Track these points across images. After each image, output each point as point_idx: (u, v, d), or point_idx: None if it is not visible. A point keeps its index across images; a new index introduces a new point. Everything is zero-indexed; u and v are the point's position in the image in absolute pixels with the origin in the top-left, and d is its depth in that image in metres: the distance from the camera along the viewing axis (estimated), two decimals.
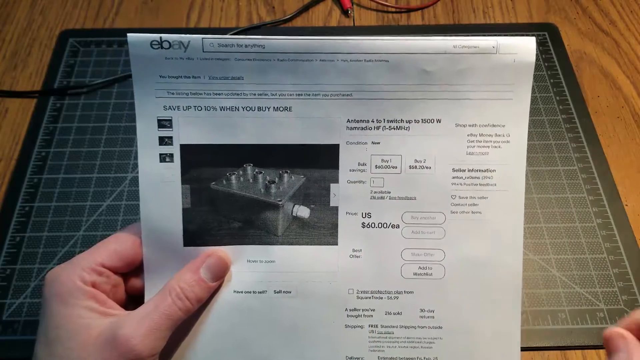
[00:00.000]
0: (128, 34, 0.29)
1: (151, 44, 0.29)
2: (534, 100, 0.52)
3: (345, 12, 0.60)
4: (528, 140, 0.49)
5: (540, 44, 0.56)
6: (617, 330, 0.29)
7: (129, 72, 0.53)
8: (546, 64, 0.55)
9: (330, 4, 0.61)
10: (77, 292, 0.28)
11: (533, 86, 0.53)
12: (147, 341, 0.27)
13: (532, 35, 0.57)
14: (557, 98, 0.52)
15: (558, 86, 0.53)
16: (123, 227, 0.32)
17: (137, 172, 0.47)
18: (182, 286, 0.29)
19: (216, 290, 0.32)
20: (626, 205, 0.46)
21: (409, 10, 0.60)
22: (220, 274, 0.31)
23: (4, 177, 0.47)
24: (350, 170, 0.32)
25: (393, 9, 0.60)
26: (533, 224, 0.45)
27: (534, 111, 0.52)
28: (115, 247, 0.30)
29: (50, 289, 0.29)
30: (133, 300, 0.32)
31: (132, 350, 0.27)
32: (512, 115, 0.31)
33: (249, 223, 0.32)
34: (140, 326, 0.27)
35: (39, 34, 0.57)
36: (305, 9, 0.60)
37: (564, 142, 0.50)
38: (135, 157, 0.48)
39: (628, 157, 0.49)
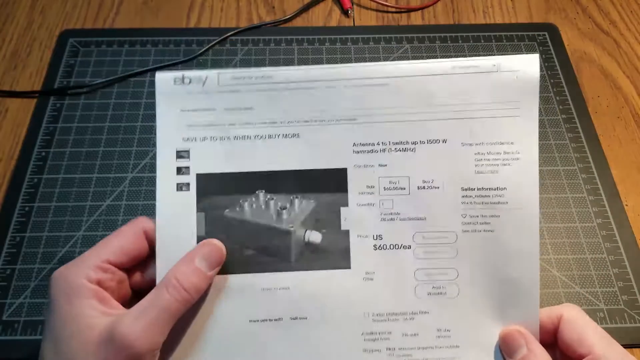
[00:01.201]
0: (157, 73, 0.31)
1: (174, 81, 0.31)
2: None
3: (345, 12, 0.60)
4: None
5: (540, 44, 0.56)
6: (514, 328, 0.31)
7: (128, 72, 0.53)
8: (546, 64, 0.55)
9: (330, 4, 0.61)
10: (82, 291, 0.28)
11: None
12: (145, 336, 0.27)
13: (532, 34, 0.57)
14: (557, 98, 0.52)
15: (558, 86, 0.53)
16: (124, 223, 0.32)
17: (137, 172, 0.47)
18: (178, 277, 0.29)
19: (231, 322, 0.31)
20: (626, 205, 0.46)
21: (409, 10, 0.60)
22: (215, 262, 0.31)
23: (4, 177, 0.47)
24: (359, 193, 0.32)
25: (393, 9, 0.60)
26: None
27: None
28: (120, 242, 0.31)
29: (56, 288, 0.29)
30: (138, 295, 0.32)
31: (131, 346, 0.27)
32: (521, 132, 0.31)
33: (262, 250, 0.32)
34: (138, 322, 0.27)
35: (39, 34, 0.57)
36: (305, 9, 0.60)
37: (564, 142, 0.50)
38: (135, 157, 0.48)
39: (628, 157, 0.49)
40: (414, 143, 0.32)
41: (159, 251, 0.31)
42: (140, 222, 0.31)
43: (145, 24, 0.58)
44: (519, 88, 0.31)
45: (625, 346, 0.40)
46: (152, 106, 0.51)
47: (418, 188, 0.32)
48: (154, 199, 0.45)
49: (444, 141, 0.32)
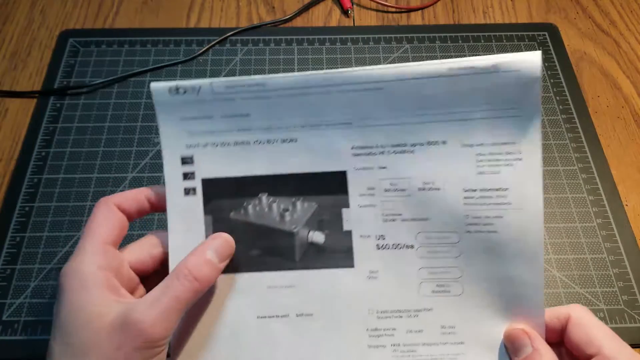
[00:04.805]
0: (151, 84, 0.32)
1: (169, 91, 0.32)
2: None
3: (345, 12, 0.60)
4: None
5: (540, 44, 0.56)
6: (518, 328, 0.31)
7: (128, 72, 0.53)
8: (546, 64, 0.55)
9: (330, 4, 0.61)
10: (92, 279, 0.29)
11: None
12: (157, 324, 0.27)
13: (532, 34, 0.57)
14: (557, 98, 0.52)
15: (558, 86, 0.53)
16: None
17: (137, 172, 0.47)
18: (189, 268, 0.29)
19: (240, 318, 0.32)
20: (626, 205, 0.46)
21: (409, 10, 0.60)
22: (225, 255, 0.31)
23: (4, 177, 0.47)
24: (360, 195, 0.32)
25: (393, 9, 0.60)
26: None
27: None
28: (102, 225, 0.31)
29: (66, 283, 0.29)
30: (142, 281, 0.33)
31: (142, 333, 0.27)
32: (522, 132, 0.30)
33: (267, 250, 0.32)
34: (152, 310, 0.28)
35: (39, 34, 0.57)
36: (305, 9, 0.60)
37: (564, 142, 0.50)
38: (135, 157, 0.48)
39: (628, 157, 0.49)
40: (413, 145, 0.32)
41: (172, 252, 0.32)
42: (108, 199, 0.32)
43: (145, 24, 0.58)
44: (519, 87, 0.30)
45: None
46: (152, 106, 0.51)
47: (419, 189, 0.32)
48: None
49: (444, 142, 0.31)
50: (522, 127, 0.31)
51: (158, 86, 0.32)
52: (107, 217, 0.31)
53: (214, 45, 0.56)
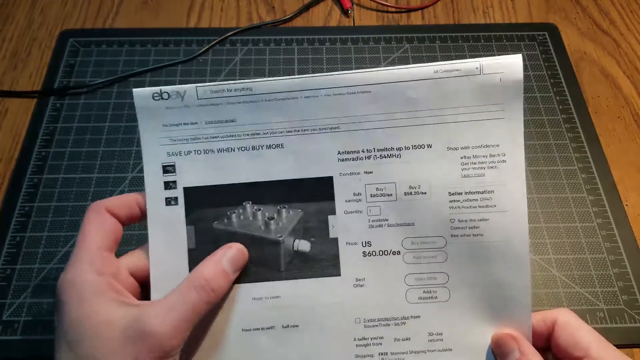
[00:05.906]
0: (134, 90, 0.31)
1: (152, 96, 0.31)
2: (533, 100, 0.52)
3: (345, 12, 0.60)
4: (528, 140, 0.50)
5: (540, 44, 0.56)
6: (506, 332, 0.31)
7: (128, 72, 0.53)
8: (546, 64, 0.55)
9: (330, 4, 0.61)
10: (93, 286, 0.28)
11: (533, 86, 0.53)
12: (176, 335, 0.27)
13: (532, 34, 0.57)
14: (557, 98, 0.52)
15: (558, 86, 0.53)
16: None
17: (137, 172, 0.47)
18: (207, 278, 0.29)
19: (224, 331, 0.32)
20: (626, 205, 0.46)
21: (409, 10, 0.60)
22: (239, 265, 0.31)
23: (4, 177, 0.47)
24: (346, 201, 0.32)
25: (393, 9, 0.60)
26: (533, 224, 0.45)
27: (534, 111, 0.52)
28: (98, 231, 0.30)
29: (65, 293, 0.28)
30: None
31: (161, 344, 0.27)
32: (506, 134, 0.31)
33: (252, 260, 0.32)
34: (168, 320, 0.27)
35: (39, 34, 0.57)
36: (305, 9, 0.60)
37: (564, 142, 0.50)
38: (135, 157, 0.48)
39: (628, 157, 0.49)
40: (399, 149, 0.32)
41: (153, 265, 0.31)
42: (100, 204, 0.31)
43: (145, 24, 0.58)
44: (503, 90, 0.31)
45: (626, 346, 0.40)
46: None
47: (405, 194, 0.32)
48: None
49: (429, 146, 0.32)
50: (505, 129, 0.31)
51: (140, 91, 0.31)
52: (100, 222, 0.31)
53: (214, 45, 0.56)
